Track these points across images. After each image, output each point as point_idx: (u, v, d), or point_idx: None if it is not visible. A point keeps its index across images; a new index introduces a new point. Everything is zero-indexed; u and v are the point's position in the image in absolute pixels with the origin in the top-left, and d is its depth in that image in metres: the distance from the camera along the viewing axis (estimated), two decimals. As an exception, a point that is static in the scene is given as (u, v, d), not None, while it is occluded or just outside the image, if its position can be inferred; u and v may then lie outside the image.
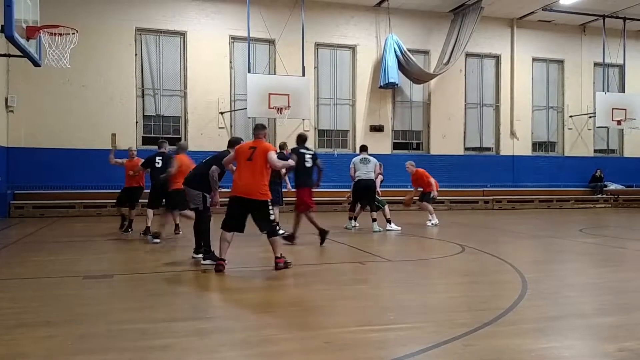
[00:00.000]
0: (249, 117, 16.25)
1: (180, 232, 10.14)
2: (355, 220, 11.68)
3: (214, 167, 7.00)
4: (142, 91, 16.82)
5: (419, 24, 19.09)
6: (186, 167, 8.54)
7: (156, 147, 10.60)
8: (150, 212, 9.89)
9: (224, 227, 6.63)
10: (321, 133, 18.47)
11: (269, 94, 15.68)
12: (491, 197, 19.07)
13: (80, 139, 15.62)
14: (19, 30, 7.47)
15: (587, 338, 4.04)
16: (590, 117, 20.62)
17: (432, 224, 12.16)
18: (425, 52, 19.35)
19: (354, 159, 11.51)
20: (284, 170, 8.94)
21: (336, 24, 18.32)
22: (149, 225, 9.73)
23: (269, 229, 6.62)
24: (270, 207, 6.64)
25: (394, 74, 17.74)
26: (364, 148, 11.77)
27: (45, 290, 5.60)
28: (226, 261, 6.56)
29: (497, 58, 20.23)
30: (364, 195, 11.19)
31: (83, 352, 3.57)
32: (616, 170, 21.16)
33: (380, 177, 11.76)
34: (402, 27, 18.64)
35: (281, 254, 6.64)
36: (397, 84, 18.08)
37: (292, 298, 5.49)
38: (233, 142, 7.30)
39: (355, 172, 11.21)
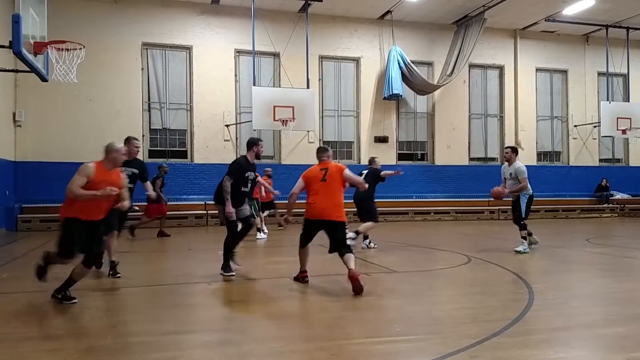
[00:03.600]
0: (255, 130, 16.32)
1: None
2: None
3: (225, 177, 6.85)
4: (149, 105, 16.94)
5: (423, 36, 19.19)
6: None
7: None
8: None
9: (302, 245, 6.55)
10: (326, 144, 18.49)
11: (274, 107, 15.78)
12: (497, 207, 18.98)
13: (87, 153, 15.62)
14: (27, 45, 7.57)
15: (595, 349, 4.01)
16: (595, 126, 20.58)
17: None
18: (429, 64, 19.42)
19: (524, 166, 9.76)
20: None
21: (340, 37, 18.44)
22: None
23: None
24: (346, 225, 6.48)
25: (397, 86, 17.83)
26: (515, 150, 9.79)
27: (51, 303, 5.61)
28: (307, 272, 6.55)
29: (501, 69, 20.28)
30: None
31: (90, 365, 3.58)
32: (622, 180, 21.06)
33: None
34: (405, 39, 18.75)
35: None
36: (401, 95, 18.16)
37: (298, 310, 5.49)
38: (252, 142, 7.05)
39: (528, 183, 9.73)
